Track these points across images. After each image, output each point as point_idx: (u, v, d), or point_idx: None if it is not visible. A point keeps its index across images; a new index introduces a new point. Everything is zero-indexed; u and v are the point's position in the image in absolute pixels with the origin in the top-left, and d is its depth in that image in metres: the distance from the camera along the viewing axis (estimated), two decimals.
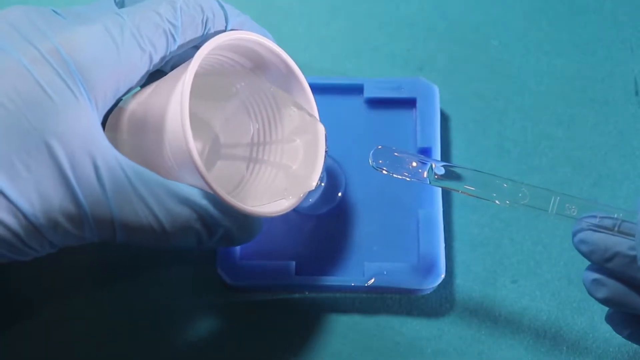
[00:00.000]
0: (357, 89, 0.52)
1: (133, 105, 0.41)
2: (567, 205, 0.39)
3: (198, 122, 0.46)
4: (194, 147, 0.36)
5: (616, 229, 0.37)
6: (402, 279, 0.47)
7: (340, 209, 0.50)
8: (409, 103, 0.52)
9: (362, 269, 0.48)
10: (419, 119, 0.51)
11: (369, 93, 0.52)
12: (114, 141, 0.41)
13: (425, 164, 0.41)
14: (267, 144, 0.46)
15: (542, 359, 0.47)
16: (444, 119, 0.53)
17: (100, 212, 0.36)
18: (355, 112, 0.52)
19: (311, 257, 0.49)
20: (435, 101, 0.51)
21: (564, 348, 0.47)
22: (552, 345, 0.48)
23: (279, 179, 0.45)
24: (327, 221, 0.50)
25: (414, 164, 0.41)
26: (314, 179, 0.43)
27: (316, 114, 0.44)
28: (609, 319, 0.40)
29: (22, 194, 0.34)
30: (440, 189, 0.49)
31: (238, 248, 0.48)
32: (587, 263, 0.49)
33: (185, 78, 0.37)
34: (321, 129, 0.43)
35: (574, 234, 0.38)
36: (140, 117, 0.40)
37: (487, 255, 0.50)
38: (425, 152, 0.50)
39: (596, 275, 0.38)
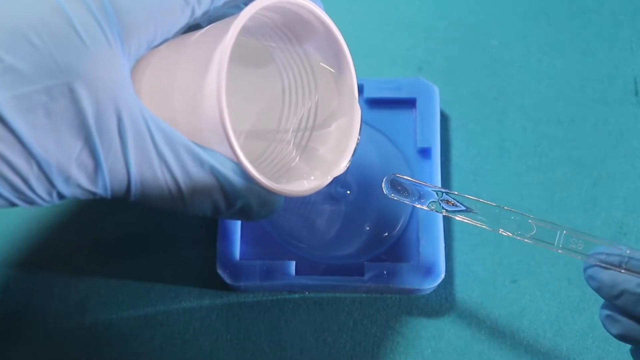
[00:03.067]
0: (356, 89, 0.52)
1: (165, 53, 0.38)
2: (573, 240, 0.39)
3: (229, 88, 0.45)
4: (226, 112, 0.34)
5: (624, 266, 0.37)
6: (402, 279, 0.47)
7: (341, 209, 0.50)
8: (409, 103, 0.52)
9: (362, 269, 0.48)
10: (418, 119, 0.51)
11: (368, 93, 0.52)
12: (139, 88, 0.38)
13: (436, 193, 0.41)
14: (298, 120, 0.43)
15: (542, 359, 0.47)
16: (444, 119, 0.53)
17: (118, 169, 0.34)
18: None
19: (311, 257, 0.49)
20: (435, 101, 0.51)
21: (564, 348, 0.47)
22: (552, 345, 0.48)
23: (302, 159, 0.42)
24: (327, 221, 0.50)
25: (423, 193, 0.41)
26: (342, 165, 0.40)
27: (356, 96, 0.41)
28: (633, 353, 0.40)
29: (38, 140, 0.32)
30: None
31: (238, 248, 0.48)
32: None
33: (228, 35, 0.34)
34: (358, 115, 0.41)
35: (584, 270, 0.38)
36: (172, 69, 0.37)
37: (487, 255, 0.50)
38: (425, 152, 0.50)
39: (609, 312, 0.38)
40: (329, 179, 0.40)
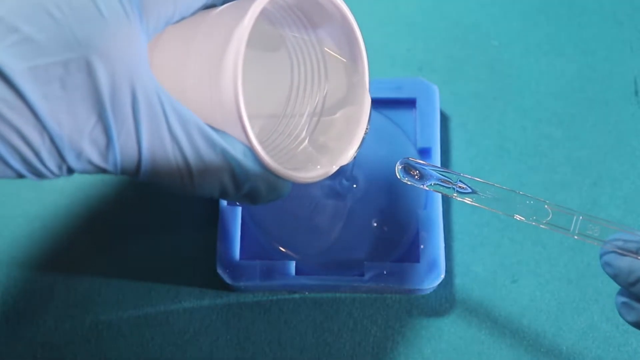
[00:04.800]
0: None
1: (181, 30, 0.38)
2: (590, 225, 0.38)
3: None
4: (242, 94, 0.34)
5: None
6: (402, 279, 0.47)
7: (341, 209, 0.50)
8: (409, 103, 0.52)
9: (362, 269, 0.48)
10: (419, 119, 0.51)
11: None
12: (153, 65, 0.37)
13: (450, 177, 0.41)
14: (305, 105, 0.43)
15: (542, 359, 0.47)
16: (444, 119, 0.53)
17: (129, 146, 0.33)
18: None
19: (311, 257, 0.49)
20: (435, 101, 0.51)
21: (564, 348, 0.48)
22: (552, 345, 0.48)
23: (310, 146, 0.42)
24: (327, 221, 0.50)
25: (439, 177, 0.41)
26: (350, 153, 0.40)
27: (367, 86, 0.41)
28: None
29: (52, 113, 0.31)
30: None
31: (238, 248, 0.48)
32: (586, 264, 0.49)
33: (247, 15, 0.34)
34: (368, 105, 0.40)
35: (600, 256, 0.38)
36: (187, 47, 0.37)
37: (487, 255, 0.50)
38: (425, 152, 0.50)
39: (626, 299, 0.37)
40: (337, 166, 0.40)
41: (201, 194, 0.37)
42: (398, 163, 0.41)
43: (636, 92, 0.54)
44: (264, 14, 0.40)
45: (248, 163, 0.36)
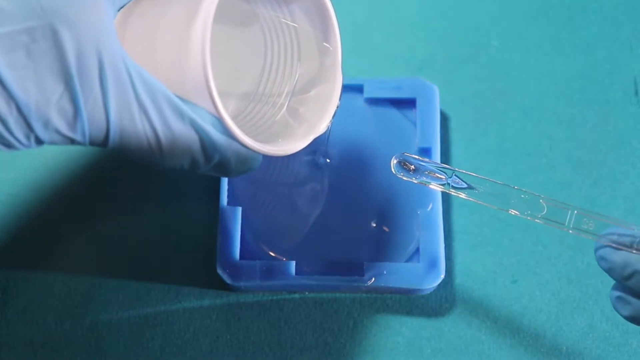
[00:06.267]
0: (357, 89, 0.52)
1: (150, 1, 0.38)
2: (584, 220, 0.38)
3: (212, 45, 0.45)
4: (209, 64, 0.34)
5: (635, 246, 0.36)
6: (402, 279, 0.47)
7: (340, 209, 0.50)
8: (409, 103, 0.52)
9: (362, 269, 0.48)
10: (419, 119, 0.51)
11: (368, 93, 0.52)
12: (123, 38, 0.38)
13: (445, 171, 0.41)
14: (278, 84, 0.44)
15: (542, 359, 0.47)
16: (444, 119, 0.53)
17: (97, 115, 0.33)
18: (355, 112, 0.52)
19: (311, 257, 0.49)
20: (435, 101, 0.51)
21: (564, 348, 0.48)
22: (552, 345, 0.48)
23: (282, 120, 0.43)
24: (327, 221, 0.50)
25: (434, 172, 0.41)
26: (322, 125, 0.41)
27: (340, 62, 0.41)
28: None
29: (18, 81, 0.31)
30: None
31: (238, 248, 0.48)
32: (586, 264, 0.49)
33: None
34: (339, 81, 0.41)
35: (595, 250, 0.38)
36: (156, 19, 0.37)
37: (487, 255, 0.50)
38: (425, 152, 0.50)
39: (620, 293, 0.37)
40: (308, 139, 0.40)
41: (171, 164, 0.37)
42: (393, 158, 0.41)
43: (636, 92, 0.54)
44: None
45: (217, 135, 0.36)
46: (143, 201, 0.51)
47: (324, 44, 0.41)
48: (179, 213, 0.50)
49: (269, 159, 0.43)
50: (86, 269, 0.49)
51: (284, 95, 0.43)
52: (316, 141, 0.41)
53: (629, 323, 0.38)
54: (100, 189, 0.51)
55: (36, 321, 0.48)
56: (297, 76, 0.43)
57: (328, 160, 0.50)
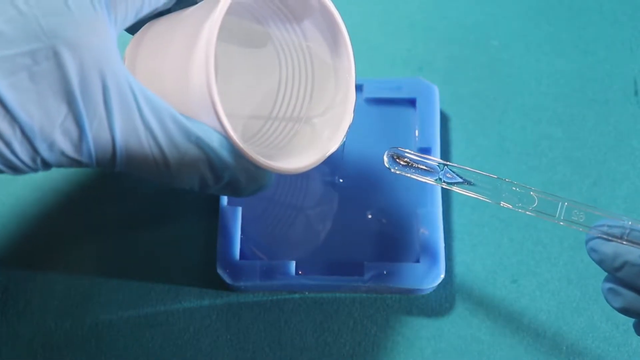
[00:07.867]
0: (356, 89, 0.52)
1: (159, 27, 0.39)
2: (575, 211, 0.38)
3: (224, 66, 0.43)
4: (214, 82, 0.34)
5: (625, 237, 0.37)
6: (402, 279, 0.47)
7: (340, 209, 0.50)
8: (409, 103, 0.52)
9: (362, 269, 0.48)
10: (419, 119, 0.51)
11: (368, 93, 0.52)
12: (133, 64, 0.38)
13: (437, 165, 0.41)
14: (293, 103, 0.43)
15: (542, 359, 0.47)
16: (444, 119, 0.53)
17: (102, 136, 0.33)
18: (355, 112, 0.52)
19: (311, 257, 0.49)
20: (435, 101, 0.51)
21: (564, 348, 0.48)
22: (552, 345, 0.48)
23: (294, 138, 0.43)
24: (326, 221, 0.50)
25: (426, 166, 0.41)
26: (334, 143, 0.40)
27: (353, 76, 0.41)
28: (636, 327, 0.40)
29: (22, 104, 0.31)
30: (440, 189, 0.49)
31: (238, 248, 0.48)
32: (586, 264, 0.49)
33: (219, 5, 0.35)
34: (353, 96, 0.41)
35: (586, 242, 0.38)
36: (165, 40, 0.38)
37: (487, 255, 0.50)
38: (425, 152, 0.50)
39: (612, 285, 0.37)
40: (323, 156, 0.40)
41: (180, 184, 0.36)
42: (386, 152, 0.41)
43: (636, 92, 0.54)
44: (245, 8, 0.41)
45: (225, 153, 0.36)
46: (143, 201, 0.51)
47: (337, 60, 0.41)
48: (179, 213, 0.50)
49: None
50: (86, 269, 0.49)
51: (298, 113, 0.43)
52: (330, 158, 0.41)
53: (629, 322, 0.38)
54: (100, 189, 0.51)
55: (36, 321, 0.48)
56: (311, 94, 0.43)
57: (341, 181, 0.50)
